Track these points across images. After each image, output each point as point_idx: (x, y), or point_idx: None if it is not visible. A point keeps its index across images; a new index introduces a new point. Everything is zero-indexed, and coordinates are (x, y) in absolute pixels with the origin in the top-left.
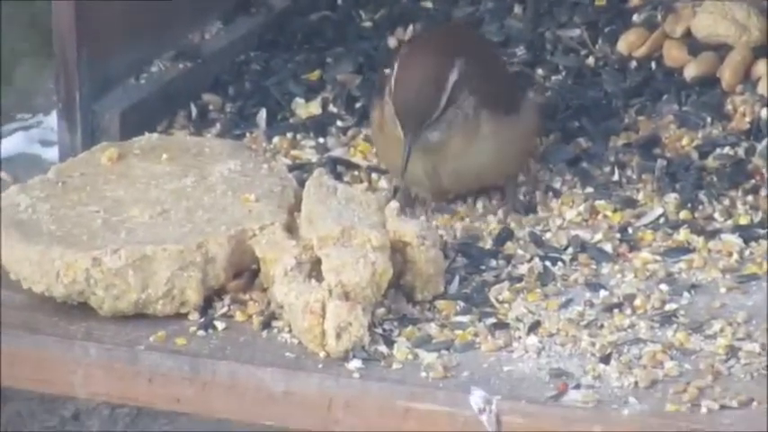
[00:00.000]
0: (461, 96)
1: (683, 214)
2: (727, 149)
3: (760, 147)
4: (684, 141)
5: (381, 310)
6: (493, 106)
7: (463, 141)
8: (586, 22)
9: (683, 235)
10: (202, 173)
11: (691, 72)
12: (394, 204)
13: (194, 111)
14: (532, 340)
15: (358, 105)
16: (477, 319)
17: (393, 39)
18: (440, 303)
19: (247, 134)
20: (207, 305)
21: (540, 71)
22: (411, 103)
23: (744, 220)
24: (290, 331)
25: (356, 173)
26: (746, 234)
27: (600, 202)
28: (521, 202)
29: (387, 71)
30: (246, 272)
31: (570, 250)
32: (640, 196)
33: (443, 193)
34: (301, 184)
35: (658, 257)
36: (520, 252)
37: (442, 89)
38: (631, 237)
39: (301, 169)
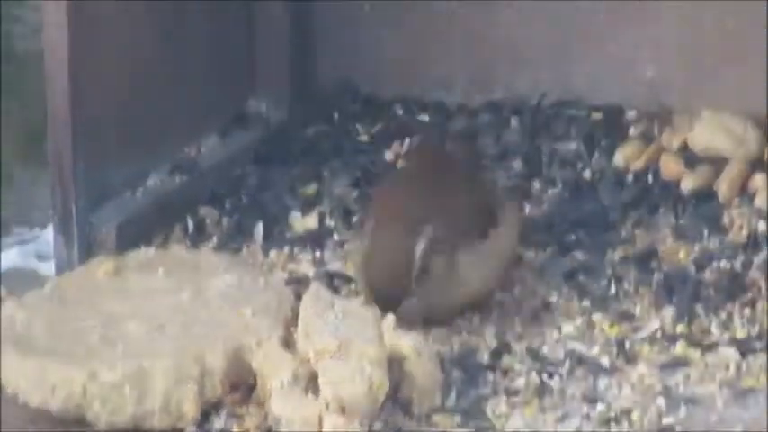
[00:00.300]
0: (432, 263)
1: (680, 327)
2: (724, 262)
3: (757, 260)
4: (681, 254)
5: (378, 424)
6: (469, 241)
7: (446, 285)
8: (583, 136)
9: (679, 348)
10: (199, 287)
11: (688, 185)
12: (391, 318)
13: (191, 224)
14: None
15: (354, 219)
16: None
17: (390, 153)
18: (437, 417)
19: (244, 248)
20: (204, 419)
21: (536, 184)
22: (383, 289)
23: (741, 334)
24: None
25: (353, 286)
26: (744, 347)
27: (597, 316)
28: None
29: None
30: (243, 385)
31: (567, 364)
32: (637, 309)
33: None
34: (298, 297)
35: (655, 371)
36: (517, 366)
37: (410, 271)
38: (628, 350)
39: (298, 283)
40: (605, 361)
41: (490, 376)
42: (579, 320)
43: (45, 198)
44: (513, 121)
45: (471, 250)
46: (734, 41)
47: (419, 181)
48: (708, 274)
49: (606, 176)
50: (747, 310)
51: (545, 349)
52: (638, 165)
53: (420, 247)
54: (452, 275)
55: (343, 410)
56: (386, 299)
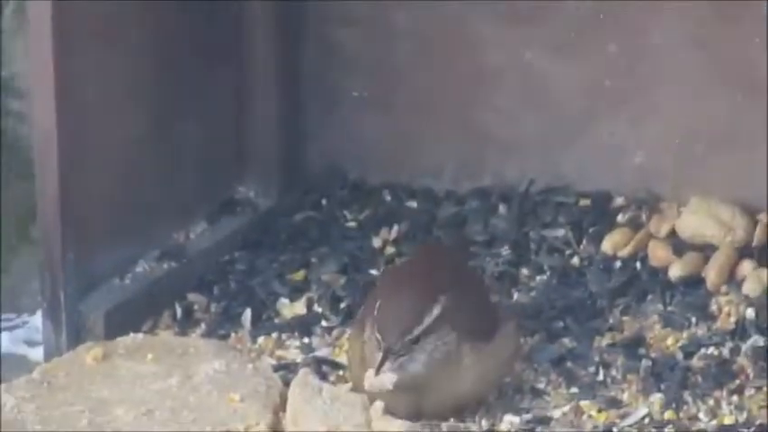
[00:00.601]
0: (443, 331)
1: (668, 414)
2: (711, 350)
3: (745, 347)
4: (669, 341)
5: None
6: (474, 339)
7: (445, 376)
8: (570, 222)
9: None
10: (187, 373)
11: (676, 272)
12: (379, 404)
13: (179, 311)
14: None
15: (343, 305)
16: None
17: (378, 239)
18: None
19: (232, 334)
20: None
21: (524, 271)
22: (393, 318)
23: (728, 420)
24: None
25: (341, 373)
26: None
27: (585, 402)
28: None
29: (366, 309)
30: None
31: None
32: (625, 396)
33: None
34: (286, 383)
35: None
36: None
37: (425, 314)
38: None
39: (286, 369)
40: None
41: None
42: (567, 407)
43: (34, 284)
44: (502, 208)
45: (475, 350)
46: (722, 128)
47: (426, 273)
48: (696, 361)
49: (594, 263)
50: (735, 397)
51: None
52: (626, 251)
53: (435, 309)
54: (457, 368)
55: None
56: (391, 334)
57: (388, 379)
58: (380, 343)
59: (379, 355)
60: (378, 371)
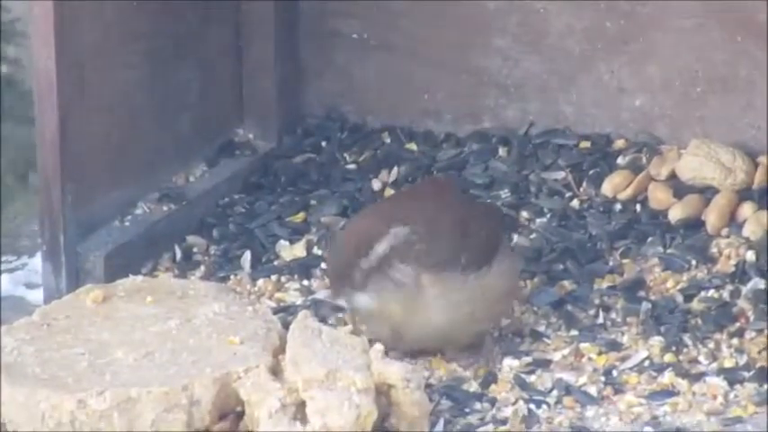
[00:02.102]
0: (392, 266)
1: (668, 357)
2: (712, 292)
3: (745, 289)
4: (669, 284)
5: None
6: (439, 270)
7: (404, 311)
8: (571, 165)
9: (667, 378)
10: (187, 315)
11: (676, 215)
12: (378, 346)
13: (179, 253)
14: None
15: None
16: None
17: (377, 181)
18: None
19: (232, 276)
20: None
21: (524, 214)
22: (335, 266)
23: (729, 363)
24: None
25: (340, 315)
26: (731, 377)
27: (585, 345)
28: (495, 358)
29: None
30: (231, 414)
31: (555, 393)
32: (625, 339)
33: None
34: (286, 326)
35: (643, 400)
36: (504, 395)
37: (363, 256)
38: (616, 379)
39: (286, 312)
40: (593, 390)
41: (478, 405)
42: (567, 350)
43: (34, 226)
44: (501, 151)
45: (447, 282)
46: (722, 70)
47: (414, 199)
48: (696, 304)
49: (594, 206)
50: (735, 340)
51: (532, 378)
52: (626, 194)
53: (380, 246)
54: (415, 302)
55: None
56: (335, 282)
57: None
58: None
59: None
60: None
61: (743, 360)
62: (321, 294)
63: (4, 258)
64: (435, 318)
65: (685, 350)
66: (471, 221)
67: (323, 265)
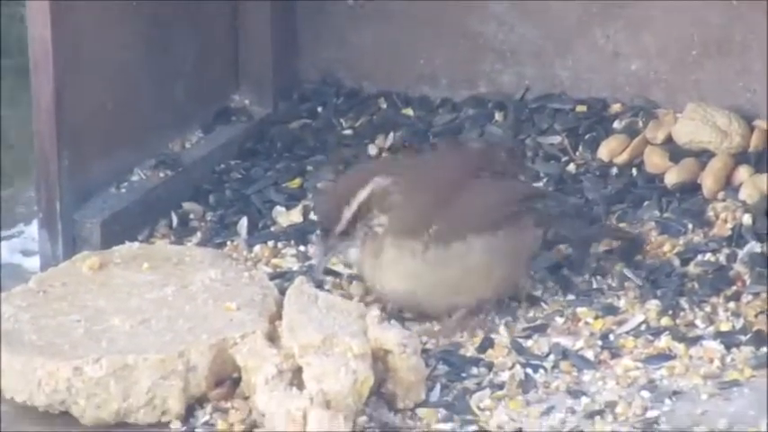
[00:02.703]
0: (371, 215)
1: (665, 321)
2: (708, 256)
3: (741, 253)
4: (666, 248)
5: (363, 419)
6: (400, 236)
7: (371, 264)
8: (567, 129)
9: (664, 342)
10: (183, 282)
11: (672, 178)
12: (375, 312)
13: (175, 219)
14: None
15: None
16: (458, 427)
17: (373, 147)
18: (421, 411)
19: (228, 243)
20: (188, 414)
21: (520, 178)
22: (321, 213)
23: (725, 327)
24: None
25: (337, 281)
26: (728, 340)
27: (581, 309)
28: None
29: None
30: (228, 380)
31: (552, 357)
32: (621, 303)
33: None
34: (282, 292)
35: (640, 364)
36: (501, 359)
37: (346, 204)
38: (613, 344)
39: (282, 278)
40: (590, 354)
41: (475, 370)
42: (564, 314)
43: (30, 193)
44: (498, 115)
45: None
46: (718, 34)
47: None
48: (692, 268)
49: (590, 170)
50: (732, 304)
51: (529, 343)
52: (622, 158)
53: (363, 192)
54: (377, 259)
55: (327, 405)
56: (323, 230)
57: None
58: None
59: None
60: (319, 270)
61: (740, 324)
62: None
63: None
64: (390, 282)
65: (682, 314)
66: (464, 194)
67: (319, 231)
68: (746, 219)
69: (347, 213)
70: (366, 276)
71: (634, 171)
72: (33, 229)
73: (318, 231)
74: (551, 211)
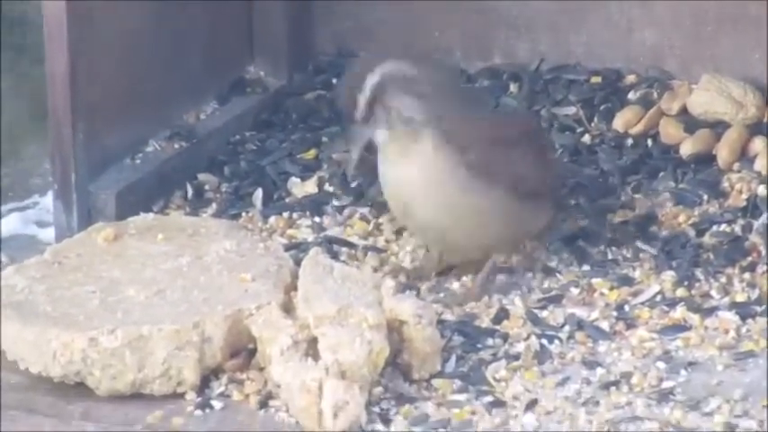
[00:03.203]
0: (390, 96)
1: (680, 292)
2: (723, 227)
3: (757, 224)
4: (681, 219)
5: (378, 389)
6: (449, 137)
7: (399, 148)
8: (582, 100)
9: (679, 312)
10: (198, 252)
11: (687, 149)
12: (390, 283)
13: (190, 191)
14: (529, 418)
15: (354, 184)
16: (474, 398)
17: None
18: (436, 382)
19: (243, 214)
20: (204, 385)
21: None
22: (342, 101)
23: (741, 298)
24: (288, 410)
25: (352, 252)
26: (743, 311)
27: (596, 280)
28: (482, 291)
29: None
30: (243, 351)
31: (567, 328)
32: (637, 274)
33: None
34: (297, 263)
35: (655, 335)
36: (517, 330)
37: (358, 87)
38: (628, 314)
39: (297, 249)
40: (605, 325)
41: (490, 341)
42: (579, 285)
43: (45, 165)
44: (512, 87)
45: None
46: (733, 5)
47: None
48: (707, 239)
49: (605, 141)
50: (747, 275)
51: (545, 314)
52: (637, 129)
53: (373, 76)
54: (414, 151)
55: (342, 376)
56: (347, 116)
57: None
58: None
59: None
60: (350, 167)
61: (755, 294)
62: (333, 232)
63: (15, 197)
64: (422, 189)
65: (697, 285)
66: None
67: (335, 202)
68: (762, 190)
69: (363, 96)
70: (389, 178)
71: (649, 142)
72: (48, 200)
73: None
74: (566, 181)
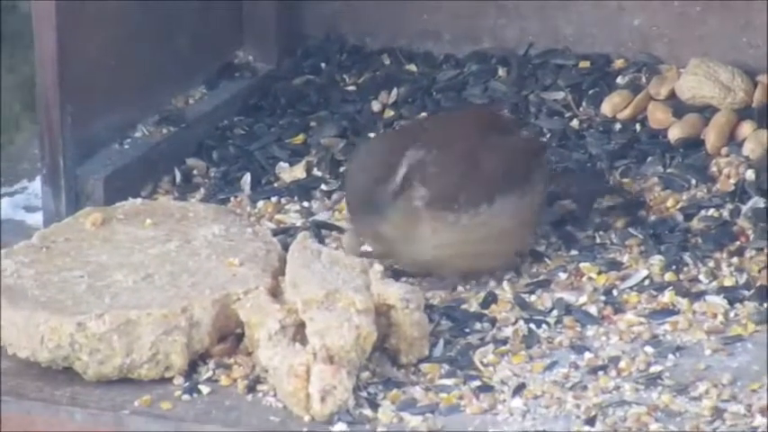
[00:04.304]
0: (413, 187)
1: (668, 276)
2: (711, 211)
3: (745, 208)
4: (669, 203)
5: (366, 374)
6: (440, 206)
7: (403, 237)
8: (570, 85)
9: (667, 297)
10: (186, 237)
11: (675, 134)
12: (378, 267)
13: (178, 175)
14: (517, 403)
15: (342, 169)
16: (461, 382)
17: (377, 102)
18: (424, 366)
19: (232, 198)
20: (192, 369)
21: (524, 134)
22: (357, 191)
23: (729, 282)
24: (275, 395)
25: (340, 236)
26: (731, 296)
27: (585, 265)
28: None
29: None
30: (231, 336)
31: (555, 313)
32: (625, 258)
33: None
34: (285, 248)
35: (643, 319)
36: (505, 315)
37: (393, 175)
38: (616, 299)
39: (285, 233)
40: (593, 310)
41: (478, 325)
42: (567, 269)
43: (33, 150)
44: (501, 71)
45: (444, 220)
46: None
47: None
48: (696, 223)
49: (594, 125)
50: (735, 259)
51: (533, 298)
52: (625, 114)
53: (402, 168)
54: (414, 232)
55: (330, 360)
56: (358, 208)
57: None
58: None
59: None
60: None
61: (743, 279)
62: (321, 216)
63: (3, 182)
64: (429, 252)
65: (685, 269)
66: (483, 156)
67: (323, 187)
68: (750, 174)
69: (390, 189)
70: (396, 249)
71: (637, 127)
72: (37, 185)
73: (352, 210)
74: (555, 166)
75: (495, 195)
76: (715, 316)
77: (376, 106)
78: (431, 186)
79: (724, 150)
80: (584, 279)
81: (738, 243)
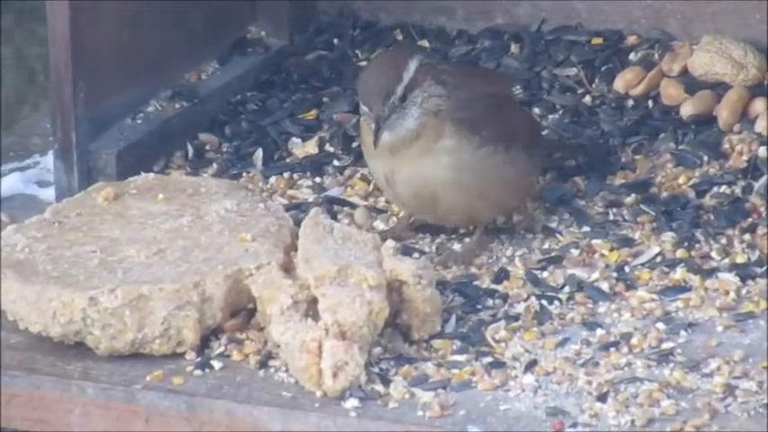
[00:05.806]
0: (426, 82)
1: (680, 253)
2: (724, 188)
3: (757, 185)
4: (681, 180)
5: (378, 350)
6: (463, 123)
7: (420, 145)
8: (583, 61)
9: (679, 273)
10: (199, 212)
11: (688, 110)
12: (390, 243)
13: (191, 150)
14: (529, 379)
15: (354, 145)
16: (473, 358)
17: None
18: (436, 342)
19: (244, 174)
20: (204, 344)
21: (536, 110)
22: (373, 82)
23: (741, 259)
24: (287, 370)
25: (352, 212)
26: (743, 272)
27: (596, 241)
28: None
29: None
30: (243, 311)
31: (567, 289)
32: (637, 235)
33: (407, 209)
34: (298, 223)
35: (655, 296)
36: (516, 291)
37: (402, 72)
38: (628, 275)
39: (298, 209)
40: (605, 286)
41: (490, 302)
42: (579, 246)
43: (45, 125)
44: (514, 47)
45: (465, 138)
46: None
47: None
48: (708, 200)
49: (606, 102)
50: (747, 236)
51: (545, 275)
52: (638, 90)
53: (413, 62)
54: (434, 141)
55: (342, 336)
56: (376, 98)
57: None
58: (369, 114)
59: (373, 126)
60: (376, 142)
61: (755, 256)
62: (334, 192)
63: (16, 156)
64: (439, 169)
65: (697, 246)
66: (501, 102)
67: (335, 162)
68: (762, 151)
69: (399, 90)
70: (408, 156)
71: (650, 103)
72: (49, 159)
73: (366, 107)
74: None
75: (512, 143)
76: (727, 293)
77: None
78: (451, 94)
79: (736, 127)
80: (596, 255)
81: (750, 220)
